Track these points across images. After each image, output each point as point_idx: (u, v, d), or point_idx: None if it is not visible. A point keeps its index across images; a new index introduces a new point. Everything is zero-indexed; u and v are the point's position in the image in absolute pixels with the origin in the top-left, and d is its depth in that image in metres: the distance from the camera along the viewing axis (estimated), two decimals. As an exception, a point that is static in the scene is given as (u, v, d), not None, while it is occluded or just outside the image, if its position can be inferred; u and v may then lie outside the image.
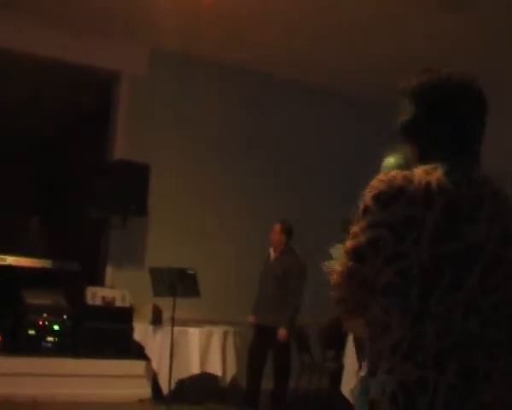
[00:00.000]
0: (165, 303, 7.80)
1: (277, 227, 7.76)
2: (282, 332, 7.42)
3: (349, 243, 1.90)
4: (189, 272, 7.67)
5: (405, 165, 3.06)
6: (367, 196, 1.88)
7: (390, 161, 3.29)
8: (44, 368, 7.61)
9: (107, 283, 8.82)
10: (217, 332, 8.00)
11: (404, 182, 1.83)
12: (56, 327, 7.98)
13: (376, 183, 1.89)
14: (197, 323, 8.10)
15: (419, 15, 7.43)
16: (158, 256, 8.49)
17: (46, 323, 7.93)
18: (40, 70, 9.47)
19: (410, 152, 2.00)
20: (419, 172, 1.85)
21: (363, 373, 3.50)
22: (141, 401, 7.76)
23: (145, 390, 7.91)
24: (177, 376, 7.59)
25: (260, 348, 7.67)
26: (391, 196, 1.82)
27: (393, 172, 1.88)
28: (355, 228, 1.89)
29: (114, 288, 8.53)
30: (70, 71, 9.30)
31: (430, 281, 1.75)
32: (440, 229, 1.76)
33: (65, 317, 8.05)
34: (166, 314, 7.79)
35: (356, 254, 1.86)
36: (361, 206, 1.90)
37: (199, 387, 7.97)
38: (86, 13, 8.21)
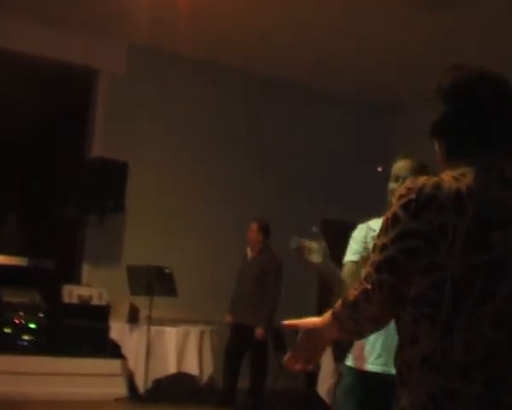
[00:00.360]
0: (141, 302, 7.80)
1: (254, 226, 7.75)
2: (259, 331, 7.42)
3: (378, 255, 1.81)
4: (167, 270, 7.67)
5: (416, 169, 3.08)
6: (395, 205, 1.80)
7: (400, 164, 3.29)
8: (20, 366, 7.55)
9: (84, 281, 8.77)
10: (193, 332, 7.98)
11: (433, 189, 1.75)
12: (32, 325, 7.94)
13: (404, 190, 1.80)
14: (174, 322, 8.08)
15: (419, 16, 7.41)
16: (135, 254, 8.46)
17: (22, 321, 7.88)
18: (16, 66, 9.37)
19: (438, 150, 1.94)
20: (448, 179, 1.78)
21: (352, 362, 3.41)
22: (117, 399, 7.72)
23: (121, 389, 7.88)
24: (153, 375, 7.59)
25: (237, 347, 7.67)
26: (421, 205, 1.75)
27: (422, 179, 1.80)
28: (383, 239, 1.80)
29: (91, 286, 8.48)
30: (48, 67, 9.22)
31: (461, 292, 1.70)
32: (472, 237, 1.71)
33: (41, 315, 8.00)
34: (143, 313, 7.79)
35: (388, 266, 1.78)
36: (388, 215, 1.81)
37: (175, 386, 7.96)
38: (64, 9, 8.15)
